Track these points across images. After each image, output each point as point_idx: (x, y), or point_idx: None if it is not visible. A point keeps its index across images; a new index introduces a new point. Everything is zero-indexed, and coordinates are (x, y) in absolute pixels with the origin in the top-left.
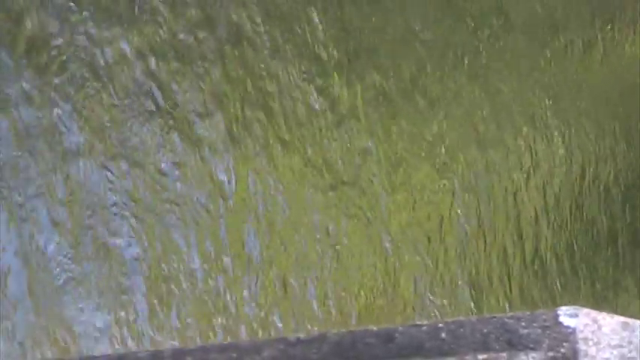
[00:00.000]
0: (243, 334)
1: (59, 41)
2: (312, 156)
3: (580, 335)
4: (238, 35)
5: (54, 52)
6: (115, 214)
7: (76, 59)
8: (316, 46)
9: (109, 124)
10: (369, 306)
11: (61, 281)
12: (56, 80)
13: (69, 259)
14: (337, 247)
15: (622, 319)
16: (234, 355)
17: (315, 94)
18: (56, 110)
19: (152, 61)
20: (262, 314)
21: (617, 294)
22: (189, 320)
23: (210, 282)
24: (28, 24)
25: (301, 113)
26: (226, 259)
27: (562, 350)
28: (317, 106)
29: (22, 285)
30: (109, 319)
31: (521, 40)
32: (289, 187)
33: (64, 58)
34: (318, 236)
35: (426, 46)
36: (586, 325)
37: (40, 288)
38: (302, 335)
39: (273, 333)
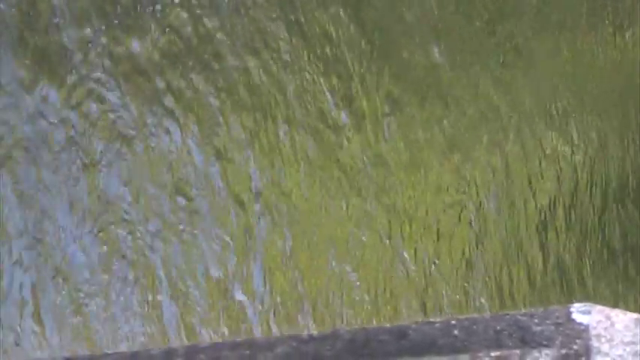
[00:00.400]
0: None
1: (75, 55)
2: (332, 169)
3: (593, 332)
4: (259, 47)
5: (70, 66)
6: (133, 229)
7: (92, 73)
8: (334, 56)
9: (127, 139)
10: (383, 306)
11: (82, 294)
12: (74, 94)
13: (88, 272)
14: (356, 258)
15: (635, 315)
16: (247, 352)
17: (334, 105)
18: (72, 125)
19: (171, 74)
20: (279, 333)
21: (630, 291)
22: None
23: (229, 295)
24: (44, 38)
25: (321, 126)
26: (245, 274)
27: (575, 347)
28: (337, 119)
29: (43, 296)
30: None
31: (537, 42)
32: (309, 198)
33: (81, 72)
34: (337, 248)
35: (444, 52)
36: (599, 321)
37: (61, 299)
38: (315, 332)
39: None
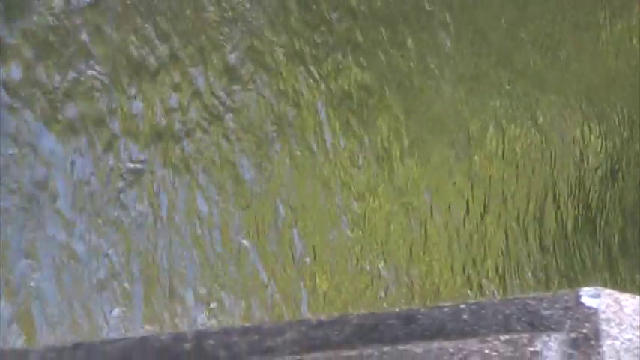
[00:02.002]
0: None
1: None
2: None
3: (602, 316)
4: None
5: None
6: None
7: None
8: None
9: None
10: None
11: None
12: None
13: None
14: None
15: None
16: (256, 337)
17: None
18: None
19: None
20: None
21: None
22: None
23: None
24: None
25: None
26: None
27: (584, 331)
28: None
29: None
30: None
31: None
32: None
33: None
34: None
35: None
36: (608, 305)
37: None
38: (324, 317)
39: None
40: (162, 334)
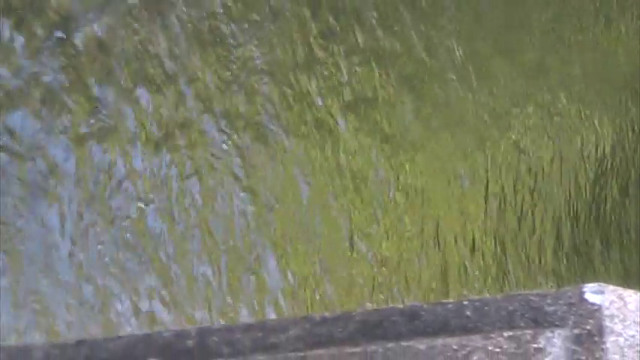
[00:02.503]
0: None
1: None
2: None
3: (606, 312)
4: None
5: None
6: None
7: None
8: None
9: None
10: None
11: None
12: None
13: None
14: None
15: None
16: (260, 334)
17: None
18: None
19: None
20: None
21: None
22: None
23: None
24: None
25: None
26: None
27: (588, 327)
28: None
29: None
30: None
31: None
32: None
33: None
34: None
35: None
36: (612, 302)
37: None
38: (327, 314)
39: None
40: (165, 331)
